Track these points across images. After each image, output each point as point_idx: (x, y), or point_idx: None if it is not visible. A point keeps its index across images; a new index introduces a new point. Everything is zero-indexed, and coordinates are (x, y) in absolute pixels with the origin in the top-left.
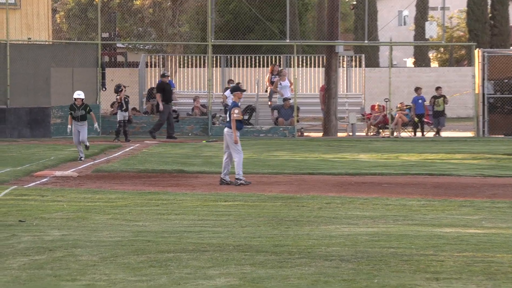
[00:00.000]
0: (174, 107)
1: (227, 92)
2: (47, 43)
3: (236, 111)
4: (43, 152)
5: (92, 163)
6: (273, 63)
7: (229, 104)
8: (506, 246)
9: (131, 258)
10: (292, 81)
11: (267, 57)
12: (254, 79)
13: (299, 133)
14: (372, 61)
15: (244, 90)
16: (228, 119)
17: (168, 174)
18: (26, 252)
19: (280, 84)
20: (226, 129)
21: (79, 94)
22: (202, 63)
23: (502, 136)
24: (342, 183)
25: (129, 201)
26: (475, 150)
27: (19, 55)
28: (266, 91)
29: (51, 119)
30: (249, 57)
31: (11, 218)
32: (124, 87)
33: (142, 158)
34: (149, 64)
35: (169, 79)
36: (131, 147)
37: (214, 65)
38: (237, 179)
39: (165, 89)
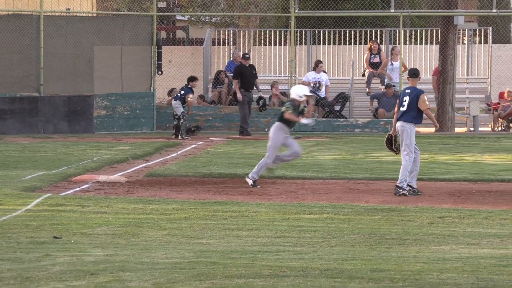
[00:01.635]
0: (261, 94)
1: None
2: (89, 15)
3: (425, 97)
4: (84, 152)
5: (144, 165)
6: (373, 39)
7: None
8: None
9: (192, 285)
10: (405, 64)
11: (365, 32)
12: (348, 60)
13: None
14: (502, 36)
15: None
16: (405, 109)
17: (239, 180)
18: (62, 277)
19: (392, 64)
20: (399, 123)
21: None
22: (283, 39)
23: None
24: (460, 192)
25: (189, 213)
26: None
27: (55, 30)
28: (363, 75)
29: (94, 110)
30: (342, 32)
31: (44, 234)
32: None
33: (207, 159)
34: (216, 41)
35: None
36: (193, 146)
37: (298, 42)
38: (397, 186)
39: (243, 73)
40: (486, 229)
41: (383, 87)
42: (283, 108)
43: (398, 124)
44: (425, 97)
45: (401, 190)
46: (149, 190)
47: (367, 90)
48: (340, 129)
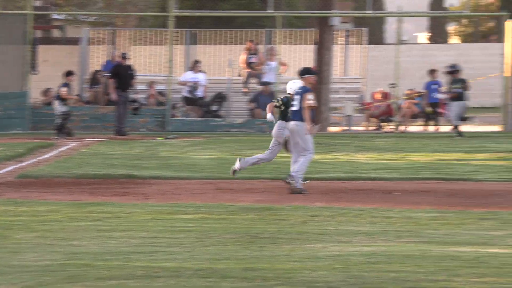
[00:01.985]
0: (134, 96)
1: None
2: None
3: (310, 96)
4: None
5: (16, 166)
6: (251, 39)
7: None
8: None
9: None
10: (284, 62)
11: (243, 32)
12: (225, 60)
13: None
14: (377, 37)
15: (316, 73)
16: (297, 108)
17: (114, 180)
18: None
19: (268, 65)
20: (292, 123)
21: None
22: (161, 39)
23: None
24: (333, 190)
25: (62, 215)
26: (502, 149)
27: None
28: (239, 75)
29: None
30: (220, 32)
31: None
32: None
33: (81, 160)
34: (94, 40)
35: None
36: (68, 146)
37: (177, 42)
38: (291, 175)
39: (120, 73)
40: (356, 227)
41: (260, 86)
42: (276, 104)
43: (292, 123)
44: (310, 96)
45: (293, 181)
46: (21, 191)
47: (245, 90)
48: (217, 129)
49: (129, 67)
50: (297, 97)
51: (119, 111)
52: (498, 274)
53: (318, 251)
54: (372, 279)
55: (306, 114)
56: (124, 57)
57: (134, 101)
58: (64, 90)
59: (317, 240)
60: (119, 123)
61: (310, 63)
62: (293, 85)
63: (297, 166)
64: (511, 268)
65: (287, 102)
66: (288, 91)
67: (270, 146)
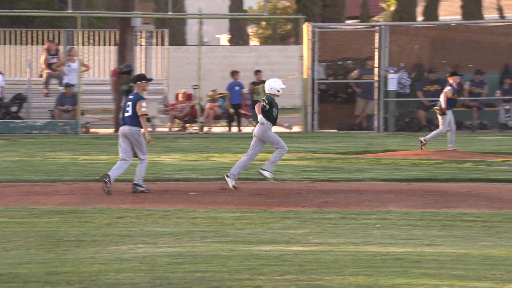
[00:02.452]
0: None
1: None
2: None
3: (144, 104)
4: None
5: None
6: (50, 39)
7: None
8: (336, 265)
9: None
10: (86, 63)
11: (43, 32)
12: (25, 60)
13: (85, 129)
14: (178, 38)
15: (151, 80)
16: (130, 114)
17: None
18: None
19: (69, 66)
20: (127, 127)
21: None
22: None
23: (335, 131)
24: (138, 192)
25: None
26: (302, 149)
27: None
28: (41, 75)
29: None
30: (18, 32)
31: None
32: None
33: None
34: None
35: None
36: None
37: None
38: (136, 184)
39: None
40: (162, 228)
41: (62, 87)
42: (263, 104)
43: (126, 128)
44: (144, 104)
45: (140, 188)
46: None
47: (45, 91)
48: (17, 131)
49: None
50: (129, 103)
51: None
52: (300, 271)
53: (123, 252)
54: (178, 280)
55: (143, 123)
56: None
57: None
58: None
59: (123, 242)
60: None
61: (112, 64)
62: (273, 84)
63: (138, 173)
64: (312, 265)
65: (271, 101)
66: (267, 91)
67: (251, 145)
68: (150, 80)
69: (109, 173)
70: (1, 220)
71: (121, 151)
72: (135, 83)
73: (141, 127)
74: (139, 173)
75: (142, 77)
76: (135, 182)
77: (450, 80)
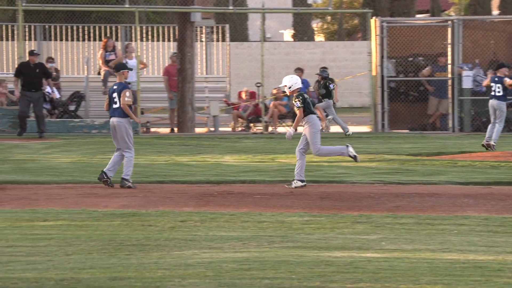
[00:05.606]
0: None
1: None
2: None
3: (128, 93)
4: None
5: None
6: (107, 35)
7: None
8: (412, 273)
9: None
10: (144, 62)
11: (99, 28)
12: (82, 57)
13: (144, 129)
14: (240, 34)
15: (131, 69)
16: (118, 105)
17: None
18: None
19: (126, 62)
20: (115, 119)
21: None
22: (10, 35)
23: (407, 131)
24: (202, 194)
25: None
26: (372, 150)
27: None
28: (99, 73)
29: None
30: (74, 28)
31: None
32: None
33: None
34: None
35: None
36: None
37: (27, 38)
38: (124, 179)
39: (23, 71)
40: (228, 232)
41: None
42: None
43: (114, 120)
44: (128, 93)
45: (127, 183)
46: None
47: (104, 89)
48: (76, 130)
49: (37, 66)
50: (115, 94)
51: (19, 112)
52: (373, 279)
53: (188, 258)
54: (245, 287)
55: (128, 111)
56: (33, 53)
57: None
58: None
59: (187, 247)
60: (20, 123)
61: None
62: (295, 80)
63: (125, 168)
64: (386, 273)
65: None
66: (296, 88)
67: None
68: (131, 69)
69: (123, 176)
70: (62, 223)
71: (116, 144)
72: (117, 71)
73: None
74: (126, 168)
75: (123, 66)
76: (122, 176)
77: (500, 73)
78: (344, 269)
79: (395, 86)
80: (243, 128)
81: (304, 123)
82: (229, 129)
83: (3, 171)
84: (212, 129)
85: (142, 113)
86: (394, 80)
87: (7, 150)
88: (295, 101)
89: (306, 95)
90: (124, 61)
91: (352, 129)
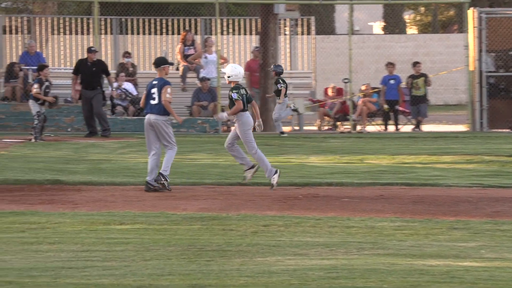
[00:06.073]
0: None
1: None
2: None
3: (169, 90)
4: None
5: None
6: (186, 29)
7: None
8: None
9: None
10: (224, 56)
11: (178, 21)
12: (160, 51)
13: (225, 127)
14: (326, 26)
15: (172, 64)
16: (156, 101)
17: (39, 187)
18: None
19: (206, 57)
20: (152, 116)
21: None
22: (85, 28)
23: (508, 130)
24: (286, 197)
25: None
26: (470, 151)
27: None
28: (177, 68)
29: None
30: (152, 21)
31: None
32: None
33: (0, 163)
34: (8, 29)
35: (36, 50)
36: None
37: (103, 32)
38: (161, 174)
39: (80, 69)
40: (314, 238)
41: (199, 82)
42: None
43: (152, 117)
44: (169, 89)
45: (162, 179)
46: None
47: (183, 86)
48: None
49: (95, 63)
50: (154, 90)
51: (83, 112)
52: None
53: (272, 265)
54: None
55: (169, 108)
56: (91, 50)
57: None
58: (35, 88)
59: (271, 253)
60: (86, 124)
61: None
62: (237, 70)
63: (164, 164)
64: (486, 284)
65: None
66: (236, 80)
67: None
68: (172, 64)
69: (160, 171)
70: (139, 227)
71: (148, 145)
72: (157, 67)
73: (169, 115)
74: (165, 163)
75: (164, 61)
76: (160, 171)
77: None
78: (440, 279)
79: (494, 82)
80: (329, 127)
81: (235, 120)
82: (315, 128)
83: (79, 172)
84: (297, 128)
85: (222, 110)
86: (494, 75)
87: (83, 150)
88: (232, 93)
89: (244, 90)
90: (203, 56)
91: (448, 128)
